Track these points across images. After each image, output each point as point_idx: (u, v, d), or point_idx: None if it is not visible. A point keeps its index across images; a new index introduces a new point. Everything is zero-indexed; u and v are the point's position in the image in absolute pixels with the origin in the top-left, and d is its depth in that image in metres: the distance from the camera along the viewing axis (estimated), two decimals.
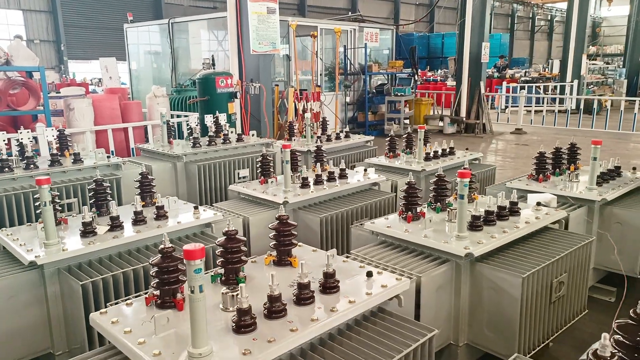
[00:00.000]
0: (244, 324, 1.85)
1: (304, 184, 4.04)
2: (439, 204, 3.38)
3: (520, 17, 44.29)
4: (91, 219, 2.96)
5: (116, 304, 2.15)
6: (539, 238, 3.14)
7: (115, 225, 3.02)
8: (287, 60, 12.71)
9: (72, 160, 4.36)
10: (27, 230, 3.06)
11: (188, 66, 12.62)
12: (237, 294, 1.96)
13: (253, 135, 5.87)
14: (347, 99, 13.68)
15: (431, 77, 25.11)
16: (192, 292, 1.63)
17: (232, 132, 5.61)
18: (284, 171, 3.88)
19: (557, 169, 4.36)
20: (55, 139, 4.56)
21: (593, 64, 23.52)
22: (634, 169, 4.48)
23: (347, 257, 2.77)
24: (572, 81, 18.62)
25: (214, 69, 8.05)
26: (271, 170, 4.29)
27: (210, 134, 5.42)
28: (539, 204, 3.46)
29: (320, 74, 13.25)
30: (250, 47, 8.18)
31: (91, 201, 3.30)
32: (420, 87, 22.53)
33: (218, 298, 2.11)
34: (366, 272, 2.34)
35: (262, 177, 4.23)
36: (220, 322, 1.94)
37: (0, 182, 3.91)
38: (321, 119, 6.82)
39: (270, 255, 2.54)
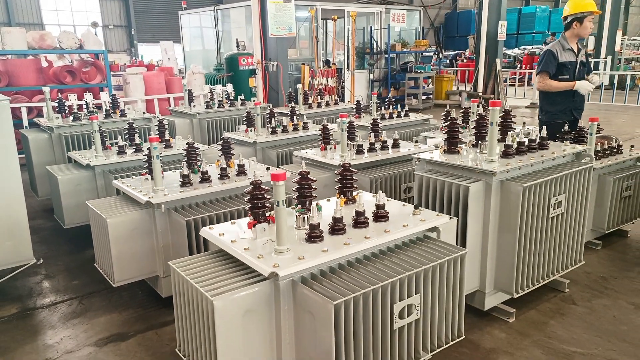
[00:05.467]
0: None
1: (273, 132, 5.75)
2: (349, 140, 4.98)
3: None
4: (124, 145, 4.86)
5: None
6: (408, 163, 4.70)
7: (138, 149, 4.91)
8: (316, 42, 14.33)
9: (120, 115, 6.35)
10: (88, 151, 5.03)
11: (230, 48, 14.52)
12: None
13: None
14: (372, 76, 15.14)
15: (473, 55, 25.59)
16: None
17: (240, 99, 7.39)
18: (255, 122, 5.62)
19: (465, 124, 5.80)
20: (109, 102, 6.55)
21: (634, 39, 23.20)
22: (523, 124, 5.82)
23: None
24: (606, 57, 18.89)
25: (239, 50, 9.87)
26: (254, 123, 6.03)
27: (220, 99, 7.24)
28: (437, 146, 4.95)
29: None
30: (270, 32, 9.91)
31: (126, 136, 5.20)
32: (462, 65, 23.45)
33: None
34: (265, 168, 4.05)
35: (247, 127, 5.99)
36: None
37: (73, 126, 5.97)
38: (318, 91, 8.47)
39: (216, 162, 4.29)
